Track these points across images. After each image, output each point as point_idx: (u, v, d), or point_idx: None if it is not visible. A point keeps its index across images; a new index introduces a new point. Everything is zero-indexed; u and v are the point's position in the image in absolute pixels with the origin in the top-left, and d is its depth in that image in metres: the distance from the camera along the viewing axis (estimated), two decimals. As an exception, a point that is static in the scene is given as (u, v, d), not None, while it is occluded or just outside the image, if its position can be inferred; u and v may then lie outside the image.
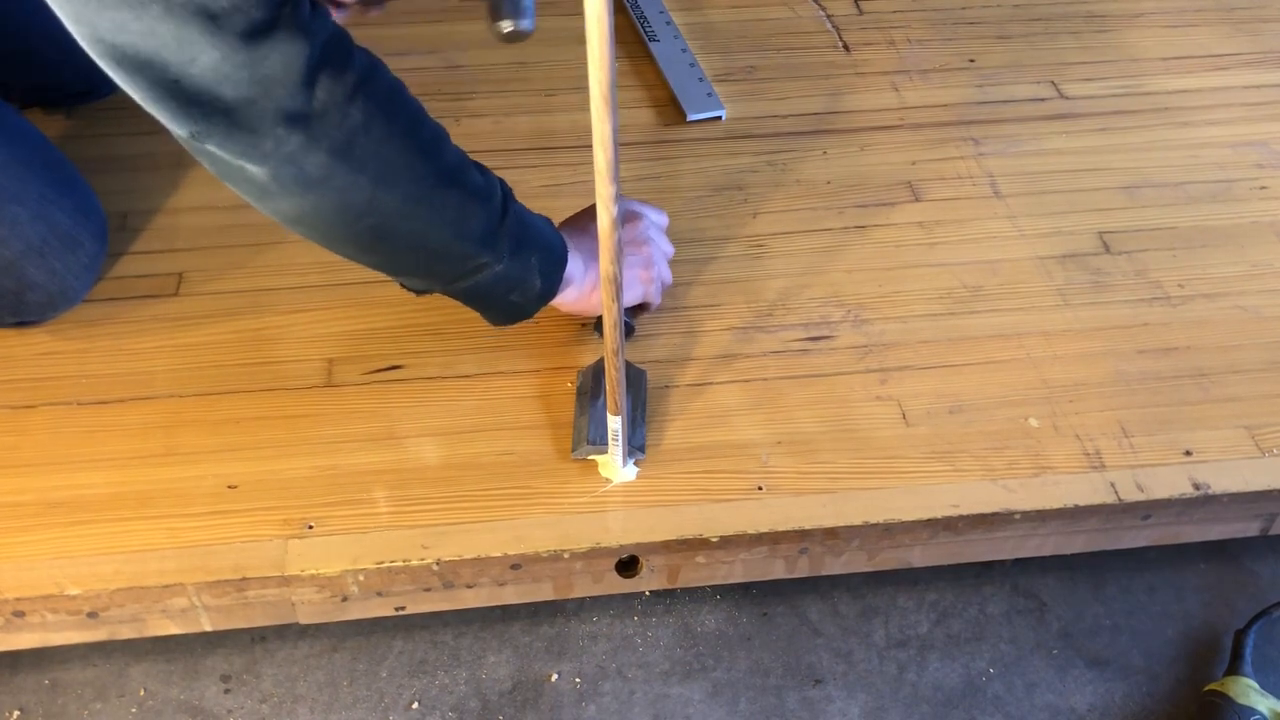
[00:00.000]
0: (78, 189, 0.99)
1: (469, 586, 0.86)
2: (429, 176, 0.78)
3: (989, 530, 0.88)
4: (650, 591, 0.94)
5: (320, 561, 0.83)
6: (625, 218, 0.92)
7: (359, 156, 0.74)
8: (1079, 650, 0.92)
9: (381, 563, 0.83)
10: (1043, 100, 1.25)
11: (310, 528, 0.85)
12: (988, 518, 0.87)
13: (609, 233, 0.71)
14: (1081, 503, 0.88)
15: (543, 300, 0.89)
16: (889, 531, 0.87)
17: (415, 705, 0.88)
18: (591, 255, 0.91)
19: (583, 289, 0.91)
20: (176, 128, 0.71)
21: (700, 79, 1.26)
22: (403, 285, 0.87)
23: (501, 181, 0.85)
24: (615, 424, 0.84)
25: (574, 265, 0.90)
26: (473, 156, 1.16)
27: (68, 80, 1.11)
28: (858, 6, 1.38)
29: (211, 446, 0.90)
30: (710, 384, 0.96)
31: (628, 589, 0.89)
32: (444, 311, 1.01)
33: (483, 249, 0.82)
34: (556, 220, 0.93)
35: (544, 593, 0.89)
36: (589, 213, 0.95)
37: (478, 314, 0.90)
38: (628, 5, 1.36)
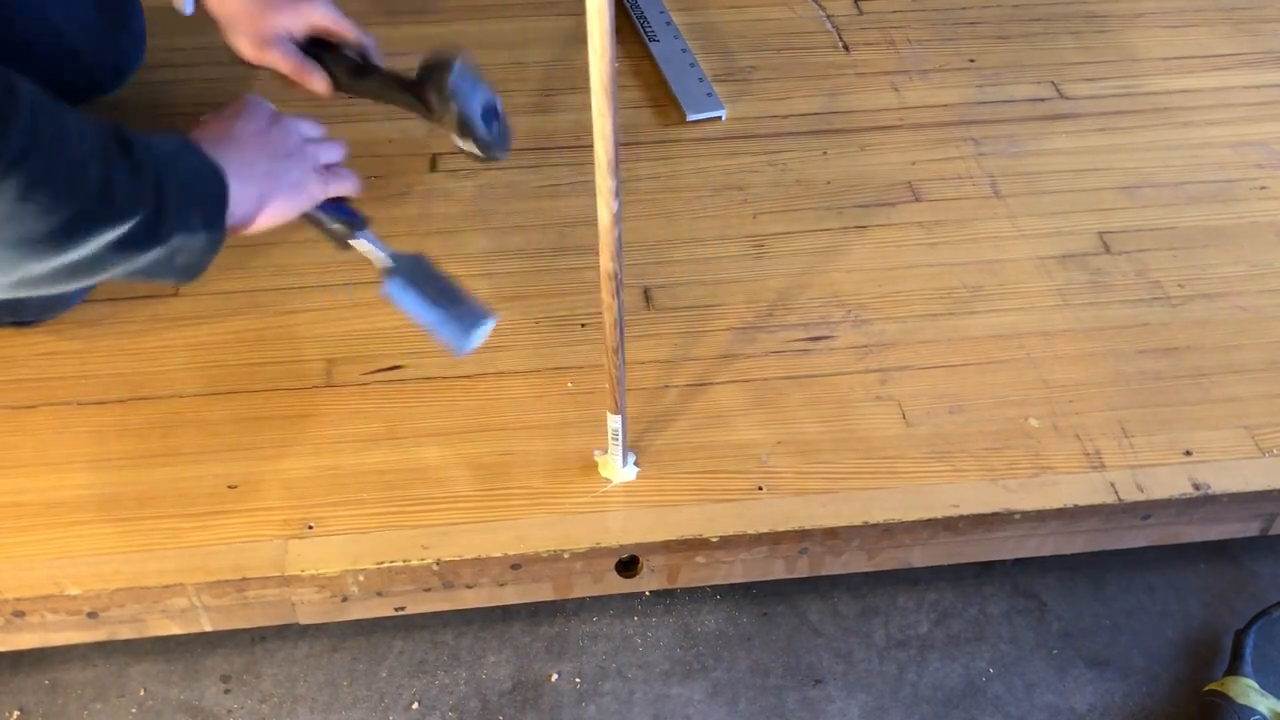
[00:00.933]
0: None
1: (469, 586, 0.86)
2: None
3: (989, 530, 0.88)
4: (650, 591, 0.94)
5: (320, 561, 0.83)
6: (256, 115, 0.88)
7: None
8: (1079, 650, 0.92)
9: (381, 563, 0.83)
10: (1043, 100, 1.25)
11: (310, 528, 0.85)
12: (988, 518, 0.87)
13: (609, 228, 0.71)
14: (1081, 503, 0.88)
15: (212, 251, 0.81)
16: (889, 531, 0.87)
17: (415, 705, 0.88)
18: (249, 168, 0.83)
19: (253, 214, 0.84)
20: None
21: (700, 79, 1.26)
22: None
23: (145, 150, 0.76)
24: (615, 423, 0.84)
25: (238, 193, 0.82)
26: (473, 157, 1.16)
27: (70, 78, 1.11)
28: (858, 6, 1.38)
29: (211, 446, 0.90)
30: (710, 384, 0.96)
31: (628, 589, 0.89)
32: (444, 311, 1.02)
33: (145, 249, 0.75)
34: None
35: (544, 593, 0.89)
36: (226, 115, 0.87)
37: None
38: (628, 5, 1.36)
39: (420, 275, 0.87)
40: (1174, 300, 1.03)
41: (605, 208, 0.70)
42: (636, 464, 0.89)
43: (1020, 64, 1.30)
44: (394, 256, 0.87)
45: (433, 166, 1.16)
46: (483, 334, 0.86)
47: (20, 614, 0.82)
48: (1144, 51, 1.32)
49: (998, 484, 0.89)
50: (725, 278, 1.05)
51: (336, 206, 0.88)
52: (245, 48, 0.96)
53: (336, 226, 0.87)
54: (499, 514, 0.86)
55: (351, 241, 0.87)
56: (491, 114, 0.87)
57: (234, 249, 1.05)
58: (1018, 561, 0.96)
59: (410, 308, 0.86)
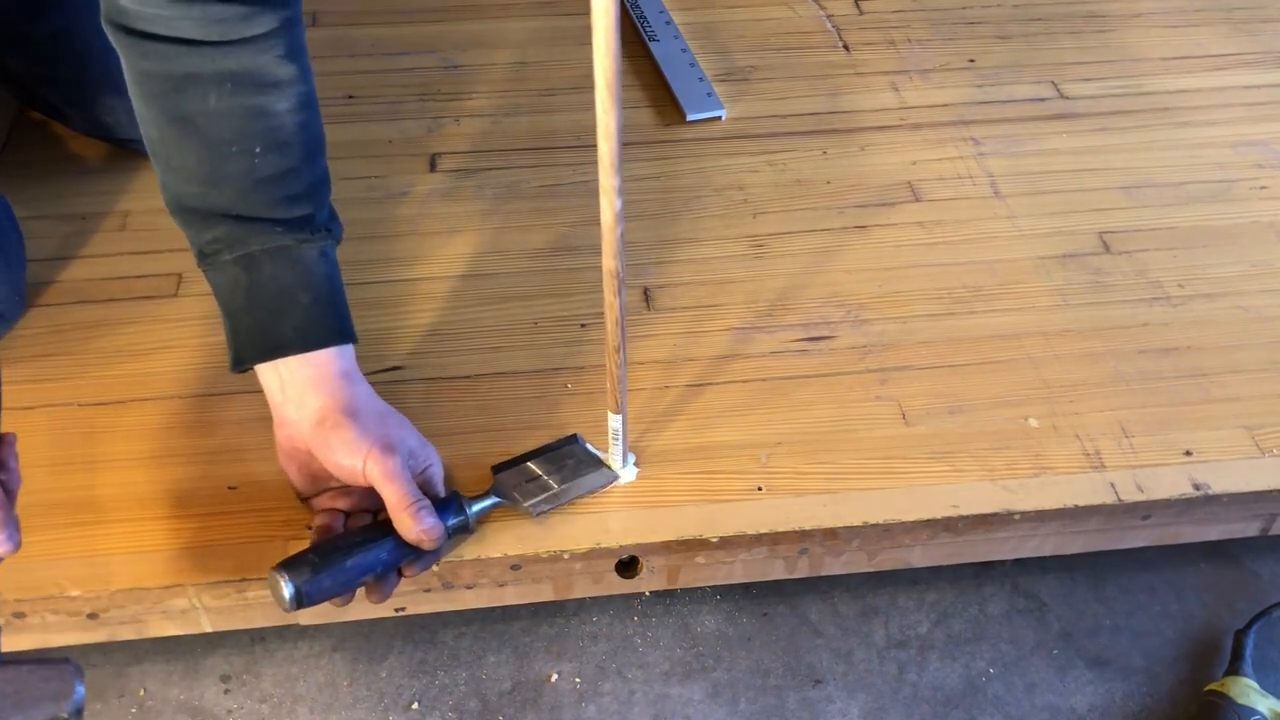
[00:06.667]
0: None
1: (469, 587, 0.86)
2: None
3: (989, 530, 0.88)
4: (650, 592, 0.94)
5: (320, 562, 0.83)
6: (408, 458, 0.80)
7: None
8: (1079, 650, 0.92)
9: (381, 563, 0.83)
10: (1043, 100, 1.25)
11: (310, 528, 0.84)
12: (988, 518, 0.87)
13: (611, 227, 0.71)
14: (1081, 503, 0.87)
15: (270, 346, 0.80)
16: (889, 532, 0.87)
17: (415, 705, 0.88)
18: (362, 414, 0.80)
19: (290, 410, 0.80)
20: None
21: (700, 79, 1.26)
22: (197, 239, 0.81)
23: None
24: (615, 423, 0.84)
25: (327, 365, 0.80)
26: (472, 156, 1.17)
27: (126, 124, 1.10)
28: (858, 6, 1.38)
29: (211, 447, 0.90)
30: (710, 384, 0.96)
31: (628, 589, 0.89)
32: (444, 312, 1.01)
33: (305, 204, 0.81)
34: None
35: (544, 593, 0.88)
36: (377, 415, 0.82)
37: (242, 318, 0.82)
38: (628, 5, 1.36)
39: (519, 476, 0.86)
40: (1174, 300, 1.03)
41: (608, 206, 0.70)
42: (636, 464, 0.89)
43: (1020, 64, 1.30)
44: (496, 492, 0.84)
45: (432, 166, 1.16)
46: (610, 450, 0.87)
47: (20, 615, 0.82)
48: (1144, 51, 1.32)
49: (998, 484, 0.89)
50: (725, 278, 1.05)
51: (442, 514, 0.80)
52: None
53: (455, 523, 0.81)
54: (498, 514, 0.86)
55: (471, 519, 0.82)
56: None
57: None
58: (1018, 561, 0.96)
59: (558, 502, 0.85)
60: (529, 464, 0.87)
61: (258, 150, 0.78)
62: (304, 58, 0.80)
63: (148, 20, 0.74)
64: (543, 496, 0.85)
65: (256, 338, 0.80)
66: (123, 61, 0.78)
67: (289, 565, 0.75)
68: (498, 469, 0.87)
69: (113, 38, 0.77)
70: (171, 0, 0.73)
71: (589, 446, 0.89)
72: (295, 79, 0.79)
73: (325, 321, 0.81)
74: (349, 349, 0.82)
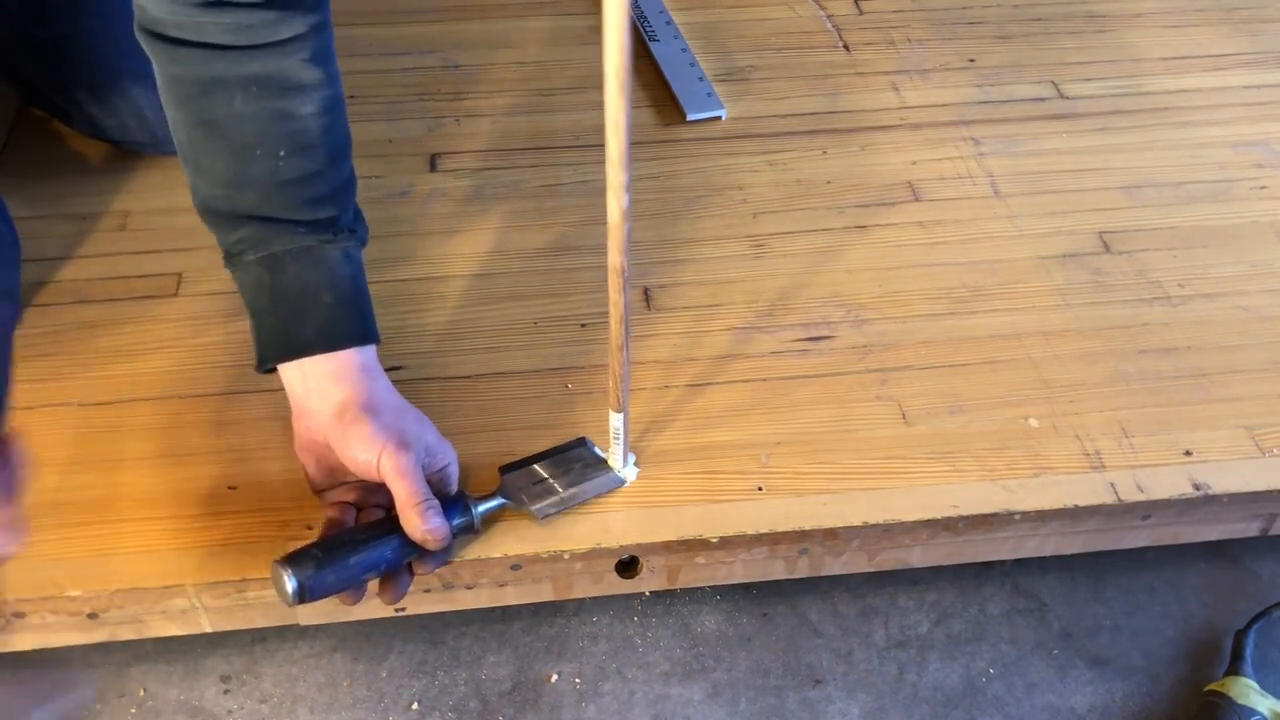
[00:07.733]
0: None
1: (469, 587, 0.86)
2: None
3: (989, 530, 0.88)
4: (650, 592, 0.94)
5: (320, 562, 0.83)
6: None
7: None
8: (1079, 650, 0.92)
9: (381, 563, 0.83)
10: (1043, 100, 1.25)
11: (310, 528, 0.84)
12: (988, 518, 0.87)
13: (618, 224, 0.70)
14: (1081, 503, 0.87)
15: (294, 344, 0.80)
16: (889, 532, 0.87)
17: (415, 705, 0.88)
18: (374, 410, 0.79)
19: (311, 399, 0.80)
20: None
21: (700, 79, 1.26)
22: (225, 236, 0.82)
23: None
24: (617, 422, 0.84)
25: (351, 361, 0.80)
26: (472, 156, 1.17)
27: (128, 126, 1.10)
28: (858, 6, 1.38)
29: (211, 447, 0.90)
30: (710, 384, 0.96)
31: (628, 589, 0.89)
32: (443, 312, 1.01)
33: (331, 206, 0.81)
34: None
35: (544, 593, 0.88)
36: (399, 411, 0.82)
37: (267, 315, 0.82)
38: (628, 5, 1.36)
39: (526, 478, 0.86)
40: (1174, 300, 1.03)
41: (615, 203, 0.69)
42: (636, 464, 0.89)
43: (1020, 64, 1.30)
44: (503, 493, 0.84)
45: (432, 166, 1.16)
46: (611, 452, 0.87)
47: (20, 615, 0.82)
48: (1144, 51, 1.32)
49: (998, 484, 0.89)
50: (725, 278, 1.05)
51: (448, 513, 0.79)
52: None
53: (460, 523, 0.81)
54: (498, 514, 0.86)
55: (476, 519, 0.82)
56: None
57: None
58: (1018, 561, 0.96)
59: (564, 506, 0.85)
60: (536, 466, 0.87)
61: (282, 153, 0.79)
62: (331, 62, 0.81)
63: (178, 27, 0.75)
64: (549, 500, 0.85)
65: (279, 337, 0.81)
66: (154, 67, 0.79)
67: (293, 559, 0.75)
68: (505, 469, 0.87)
69: (145, 45, 0.78)
70: (202, 7, 0.74)
71: (597, 450, 0.89)
72: (321, 83, 0.79)
73: (347, 322, 0.81)
74: (370, 347, 0.83)
